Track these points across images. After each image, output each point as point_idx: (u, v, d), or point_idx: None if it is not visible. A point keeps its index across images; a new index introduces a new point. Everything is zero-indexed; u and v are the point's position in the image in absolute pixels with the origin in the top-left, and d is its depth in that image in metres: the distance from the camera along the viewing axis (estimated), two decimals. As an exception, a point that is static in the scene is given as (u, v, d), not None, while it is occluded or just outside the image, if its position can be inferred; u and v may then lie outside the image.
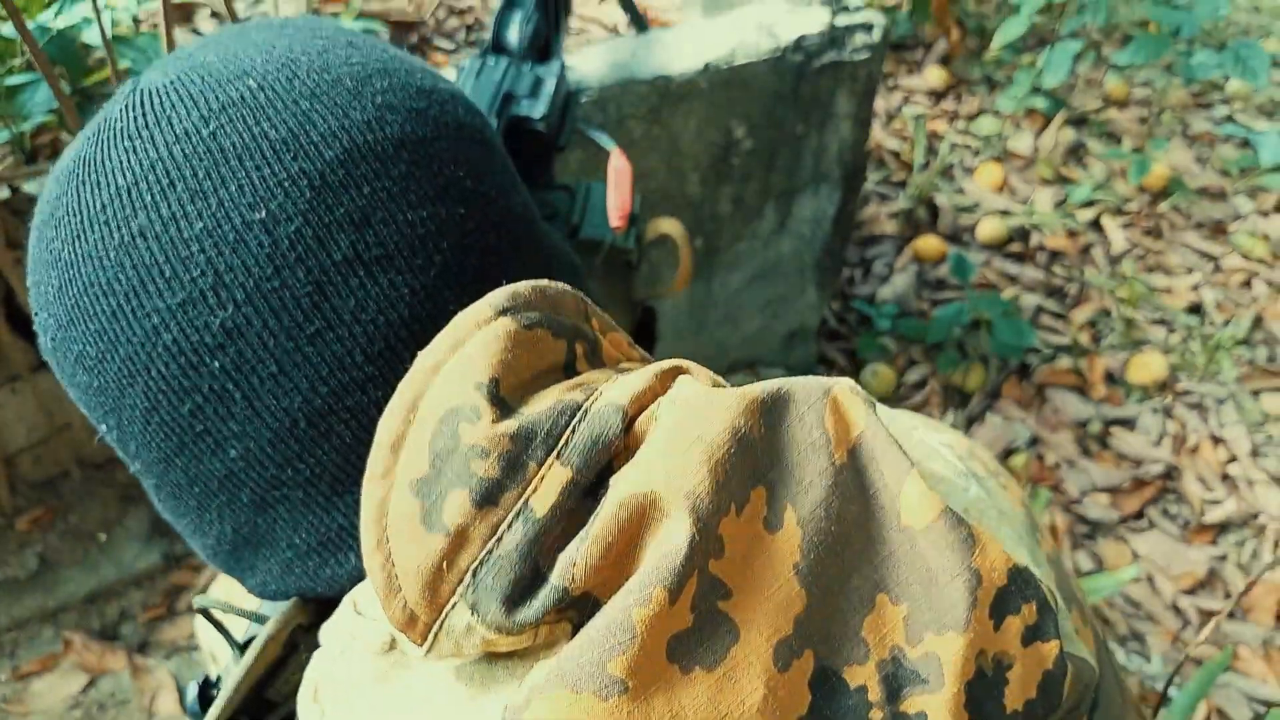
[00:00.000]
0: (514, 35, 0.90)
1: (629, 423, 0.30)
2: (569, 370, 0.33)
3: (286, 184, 0.34)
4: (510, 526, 0.28)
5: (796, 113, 1.48)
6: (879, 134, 2.44)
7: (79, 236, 0.35)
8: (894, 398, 1.92)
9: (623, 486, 0.28)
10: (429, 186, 0.37)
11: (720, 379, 0.34)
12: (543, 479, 0.29)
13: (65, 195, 0.36)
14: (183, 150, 0.34)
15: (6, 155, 1.31)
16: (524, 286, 0.32)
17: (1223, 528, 1.76)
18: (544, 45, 1.01)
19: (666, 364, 0.33)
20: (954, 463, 0.38)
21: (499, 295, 0.32)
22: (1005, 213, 2.27)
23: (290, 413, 0.34)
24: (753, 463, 0.29)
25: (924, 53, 2.68)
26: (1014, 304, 2.03)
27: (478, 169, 0.39)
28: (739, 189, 1.53)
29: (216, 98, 0.35)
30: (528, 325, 0.31)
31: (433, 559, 0.29)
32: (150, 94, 0.36)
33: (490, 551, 0.28)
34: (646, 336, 1.04)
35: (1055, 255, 2.21)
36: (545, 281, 0.33)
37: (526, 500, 0.29)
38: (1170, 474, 1.83)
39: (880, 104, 2.51)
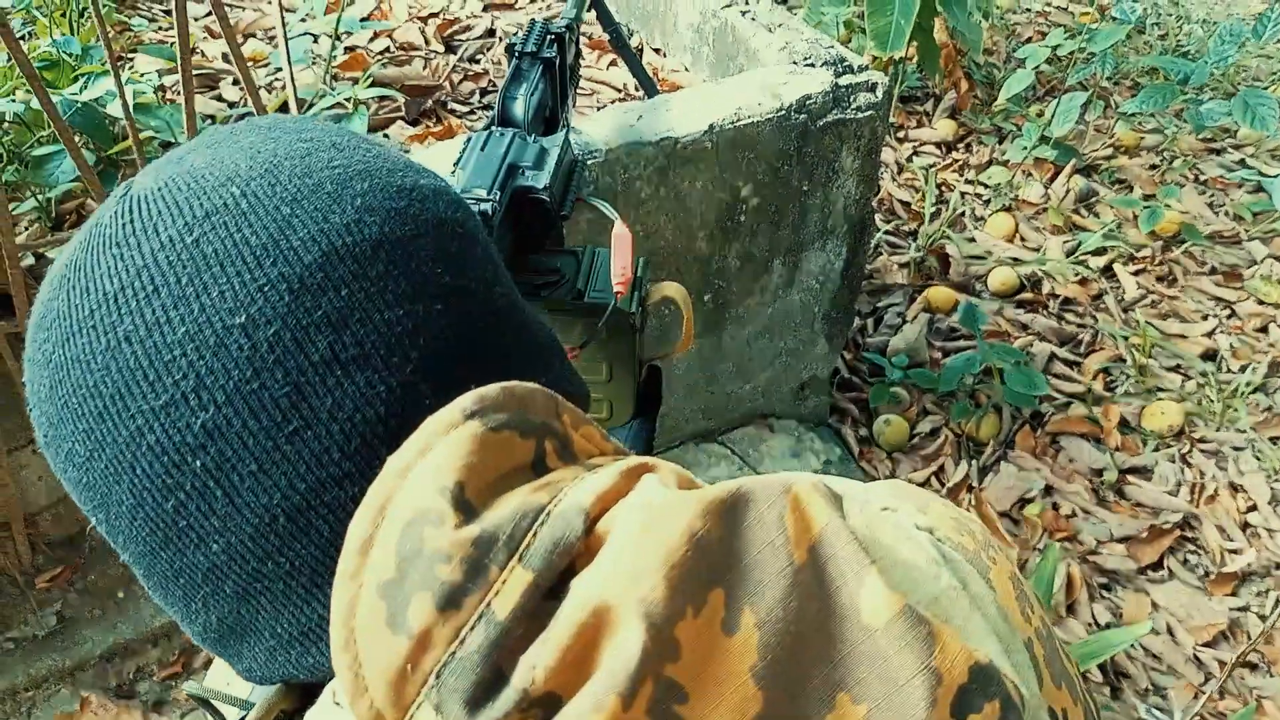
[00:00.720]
0: (519, 108, 0.94)
1: (591, 524, 0.31)
2: (538, 468, 0.34)
3: (266, 289, 0.35)
4: (473, 629, 0.29)
5: (802, 170, 1.51)
6: (889, 185, 2.46)
7: (68, 340, 0.36)
8: (907, 448, 1.92)
9: (581, 591, 0.29)
10: (406, 285, 0.38)
11: (689, 474, 0.35)
12: (504, 582, 0.30)
13: (56, 299, 0.38)
14: (167, 257, 0.36)
15: (33, 223, 1.36)
16: (493, 389, 0.33)
17: (1243, 578, 1.74)
18: (550, 116, 1.04)
19: (633, 462, 0.34)
20: (928, 549, 0.39)
21: (467, 399, 0.33)
22: (1016, 261, 2.28)
23: (270, 509, 0.35)
24: (710, 565, 0.30)
25: (933, 105, 2.71)
26: (1026, 353, 2.03)
27: (457, 264, 0.40)
28: (747, 245, 1.55)
29: (201, 205, 0.37)
30: (494, 428, 0.33)
31: (397, 661, 0.30)
32: (139, 200, 0.38)
33: (453, 654, 0.29)
34: (652, 397, 1.06)
35: (1067, 303, 2.21)
36: (515, 383, 0.34)
37: (489, 603, 0.30)
38: (1189, 523, 1.81)
39: (890, 155, 2.54)
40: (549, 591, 0.30)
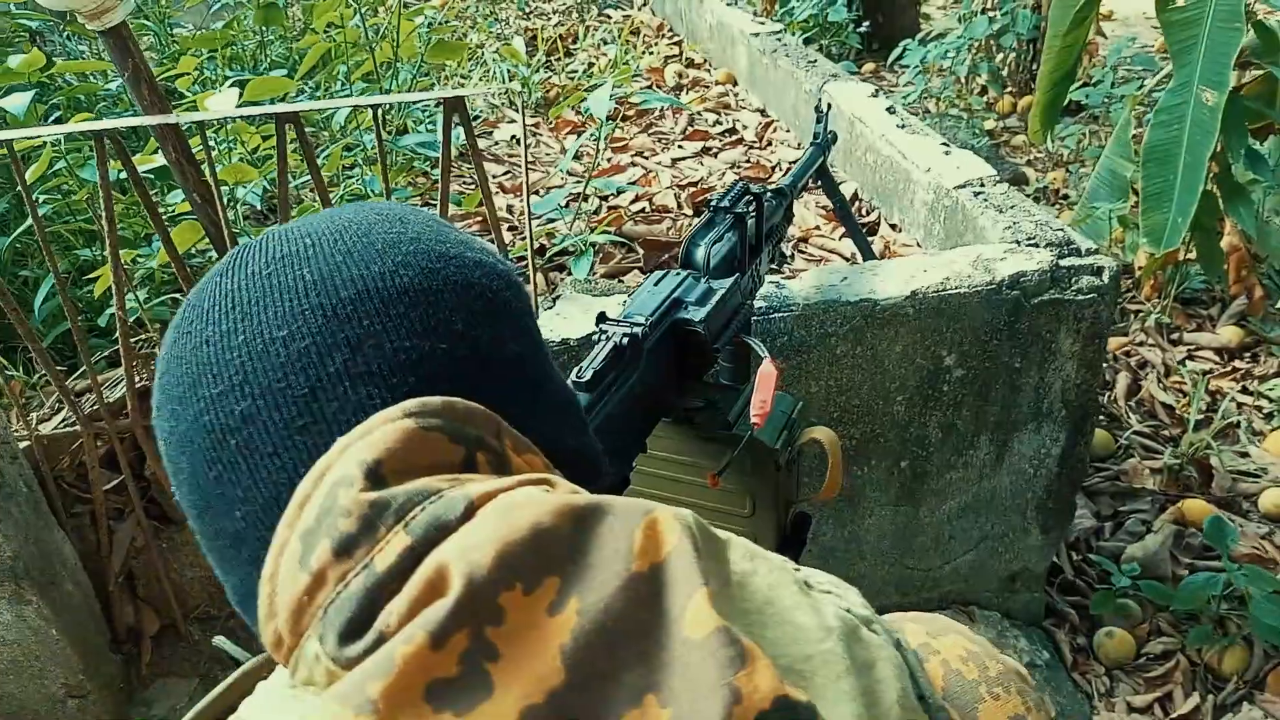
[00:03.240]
0: (700, 254, 1.04)
1: (473, 511, 0.37)
2: (467, 471, 0.40)
3: (306, 313, 0.45)
4: (357, 575, 0.36)
5: (1013, 347, 1.48)
6: (1151, 386, 2.30)
7: (177, 340, 0.48)
8: (1130, 666, 1.72)
9: (434, 556, 0.35)
10: (420, 325, 0.46)
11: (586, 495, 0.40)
12: (388, 542, 0.36)
13: (182, 310, 0.50)
14: (246, 284, 0.47)
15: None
16: (435, 399, 0.41)
17: None
18: (736, 265, 1.13)
19: (534, 475, 0.40)
20: (828, 620, 0.40)
21: (412, 402, 0.40)
22: (1295, 483, 2.03)
23: (279, 485, 0.44)
24: (550, 555, 0.34)
25: (1219, 309, 2.53)
26: (1291, 584, 1.78)
27: (474, 318, 0.48)
28: (949, 416, 1.53)
29: (280, 250, 0.48)
30: (425, 427, 0.40)
31: (299, 593, 0.37)
32: (246, 245, 0.50)
33: (339, 593, 0.36)
34: (796, 541, 1.07)
35: (1356, 538, 1.92)
36: (460, 400, 0.41)
37: (372, 557, 0.36)
38: None
39: (1158, 355, 2.39)
40: (422, 557, 0.36)
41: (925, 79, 3.52)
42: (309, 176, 1.21)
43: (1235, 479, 2.05)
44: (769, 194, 1.34)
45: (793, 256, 1.89)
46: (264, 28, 2.18)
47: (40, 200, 1.65)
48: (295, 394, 0.44)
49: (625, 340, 0.85)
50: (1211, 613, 1.75)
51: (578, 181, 2.12)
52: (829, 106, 1.57)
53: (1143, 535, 1.94)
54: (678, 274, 1.02)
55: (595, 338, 0.86)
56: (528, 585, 0.34)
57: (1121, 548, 1.91)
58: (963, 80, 3.56)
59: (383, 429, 0.39)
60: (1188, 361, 2.38)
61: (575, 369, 0.83)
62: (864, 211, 2.03)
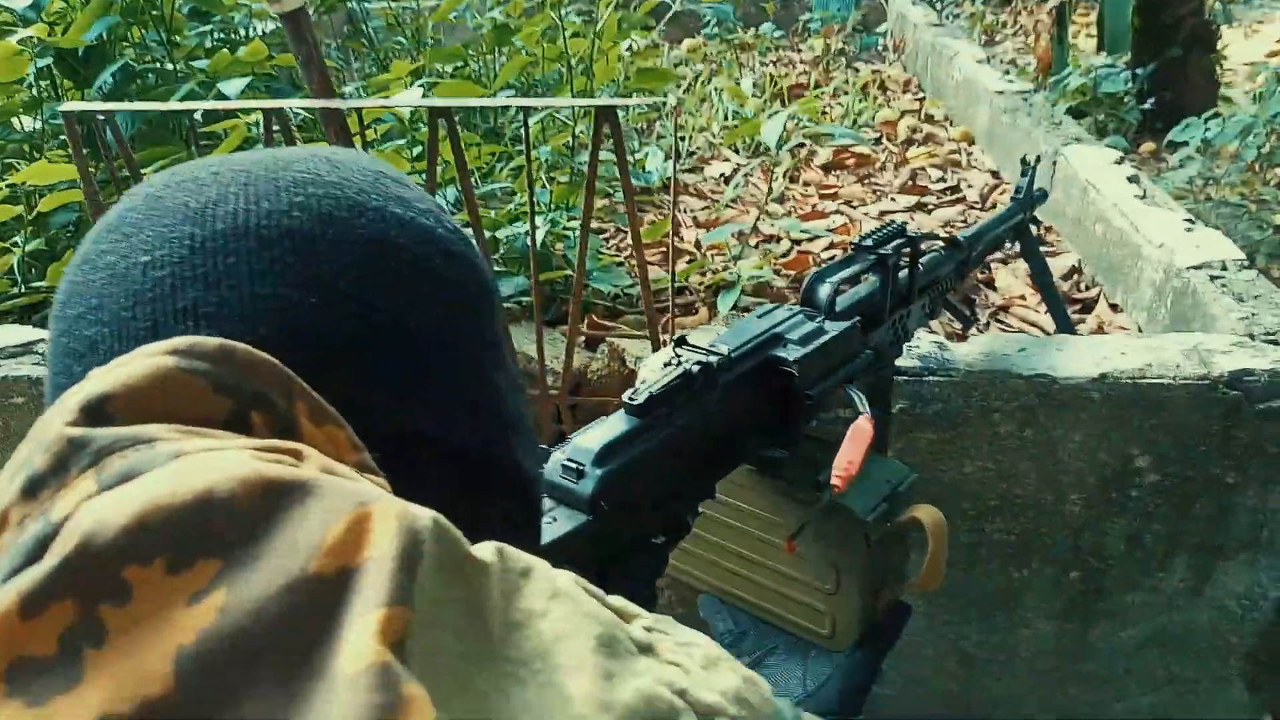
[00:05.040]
0: (823, 292, 0.93)
1: None
2: (234, 428, 0.33)
3: (174, 241, 0.40)
4: (35, 521, 0.30)
5: (1226, 457, 1.24)
6: None
7: (75, 256, 0.45)
8: None
9: (89, 510, 0.28)
10: (294, 275, 0.40)
11: (355, 475, 0.32)
12: (73, 488, 0.30)
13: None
14: (141, 204, 0.43)
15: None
16: (211, 341, 0.34)
17: None
18: (873, 312, 1.01)
19: (288, 444, 0.32)
20: (622, 698, 0.30)
21: (182, 340, 0.34)
22: None
23: None
24: (215, 532, 0.27)
25: None
26: None
27: (373, 279, 0.42)
28: (1136, 527, 1.30)
29: (192, 172, 0.44)
30: (186, 369, 0.33)
31: None
32: (174, 168, 0.46)
33: (16, 537, 0.30)
34: (887, 630, 0.92)
35: None
36: (243, 347, 0.34)
37: (53, 501, 0.30)
38: None
39: None
40: None
41: (1205, 161, 3.13)
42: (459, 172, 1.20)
43: None
44: (941, 244, 1.19)
45: (987, 324, 1.70)
46: (497, 48, 2.26)
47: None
48: (139, 326, 0.40)
49: (697, 369, 0.76)
50: None
51: (771, 221, 2.04)
52: (1038, 159, 1.40)
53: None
54: (790, 309, 0.92)
55: (668, 362, 0.78)
56: (174, 563, 0.27)
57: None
58: (1257, 167, 3.14)
59: (139, 362, 0.33)
60: None
61: (630, 390, 0.75)
62: (1083, 287, 1.81)
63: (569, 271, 1.52)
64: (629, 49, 1.78)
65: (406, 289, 0.43)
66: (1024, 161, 1.39)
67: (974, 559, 1.34)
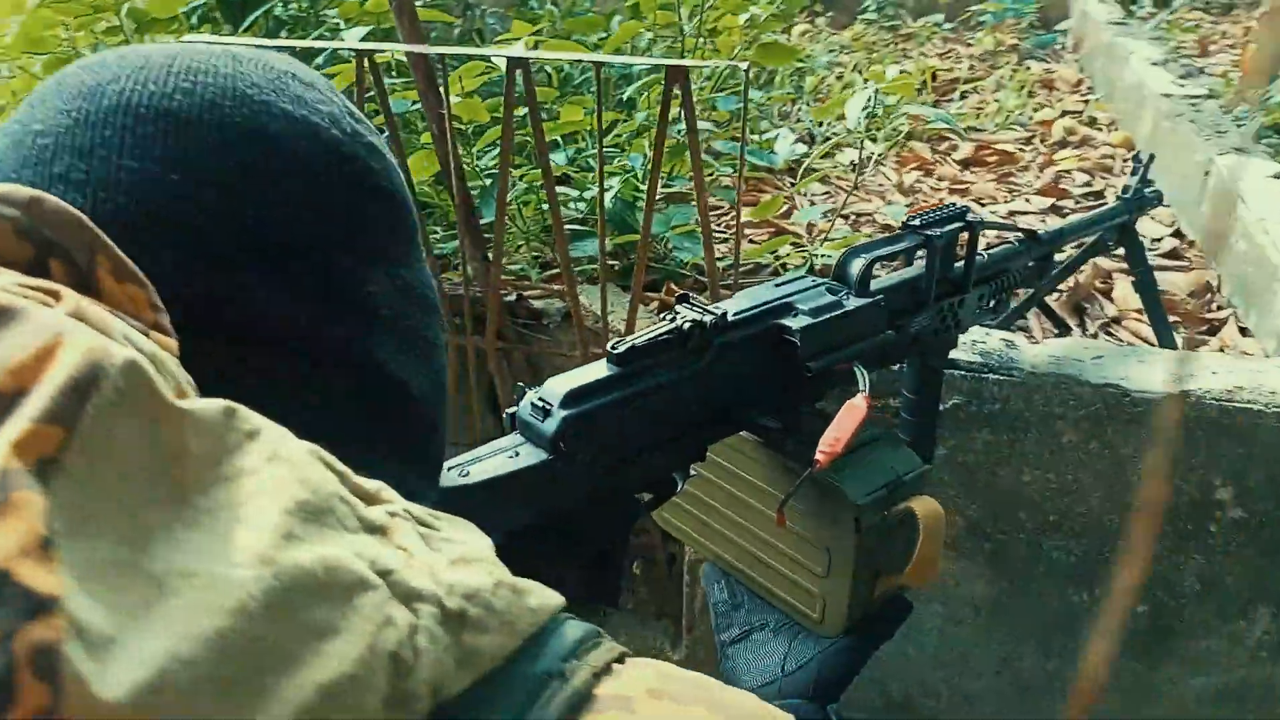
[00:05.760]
0: (855, 266, 0.89)
1: None
2: (34, 273, 0.34)
3: (59, 113, 0.43)
4: None
5: (1326, 500, 1.11)
6: None
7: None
8: None
9: None
10: (162, 152, 0.42)
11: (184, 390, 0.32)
12: None
13: None
14: (54, 81, 0.46)
15: (525, 268, 1.62)
16: (25, 190, 0.35)
17: None
18: (918, 298, 0.96)
19: (47, 284, 0.33)
20: (297, 559, 0.29)
21: (4, 186, 0.35)
22: None
23: None
24: None
25: None
26: None
27: (235, 166, 0.43)
28: (1214, 567, 1.18)
29: (98, 59, 0.47)
30: None
31: None
32: (95, 55, 0.49)
33: None
34: (880, 622, 0.88)
35: None
36: (54, 200, 0.35)
37: None
38: None
39: None
40: None
41: None
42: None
43: None
44: (1020, 239, 1.11)
45: (1095, 335, 1.58)
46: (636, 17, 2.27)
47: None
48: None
49: (689, 325, 0.75)
50: None
51: (902, 207, 1.97)
52: (1151, 157, 1.29)
53: None
54: (815, 280, 0.88)
55: (664, 315, 0.77)
56: None
57: None
58: None
59: None
60: None
61: (615, 338, 0.74)
62: (1214, 307, 1.65)
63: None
64: (747, 21, 1.75)
65: (272, 180, 0.44)
66: (1136, 159, 1.29)
67: (1031, 575, 1.26)
